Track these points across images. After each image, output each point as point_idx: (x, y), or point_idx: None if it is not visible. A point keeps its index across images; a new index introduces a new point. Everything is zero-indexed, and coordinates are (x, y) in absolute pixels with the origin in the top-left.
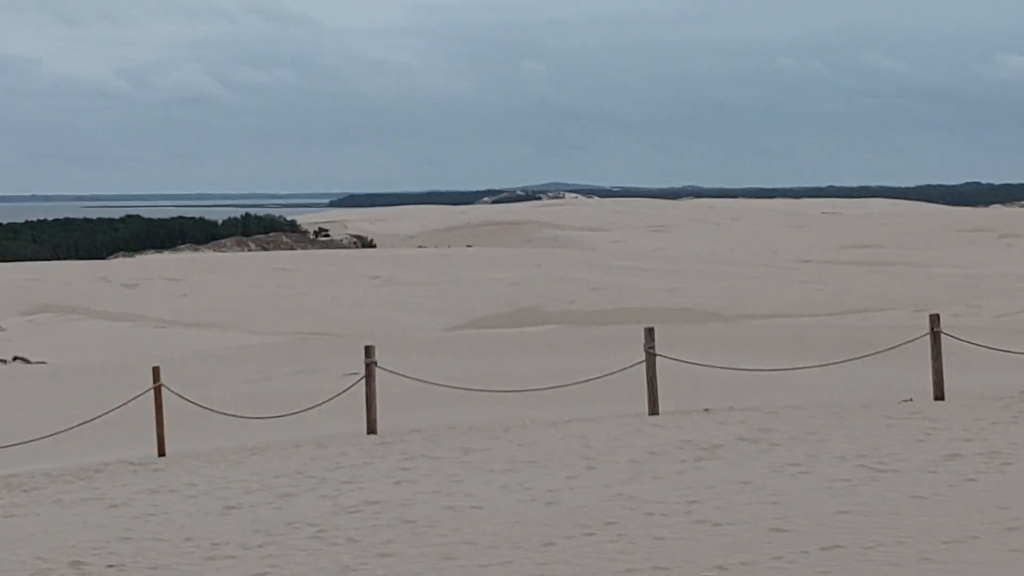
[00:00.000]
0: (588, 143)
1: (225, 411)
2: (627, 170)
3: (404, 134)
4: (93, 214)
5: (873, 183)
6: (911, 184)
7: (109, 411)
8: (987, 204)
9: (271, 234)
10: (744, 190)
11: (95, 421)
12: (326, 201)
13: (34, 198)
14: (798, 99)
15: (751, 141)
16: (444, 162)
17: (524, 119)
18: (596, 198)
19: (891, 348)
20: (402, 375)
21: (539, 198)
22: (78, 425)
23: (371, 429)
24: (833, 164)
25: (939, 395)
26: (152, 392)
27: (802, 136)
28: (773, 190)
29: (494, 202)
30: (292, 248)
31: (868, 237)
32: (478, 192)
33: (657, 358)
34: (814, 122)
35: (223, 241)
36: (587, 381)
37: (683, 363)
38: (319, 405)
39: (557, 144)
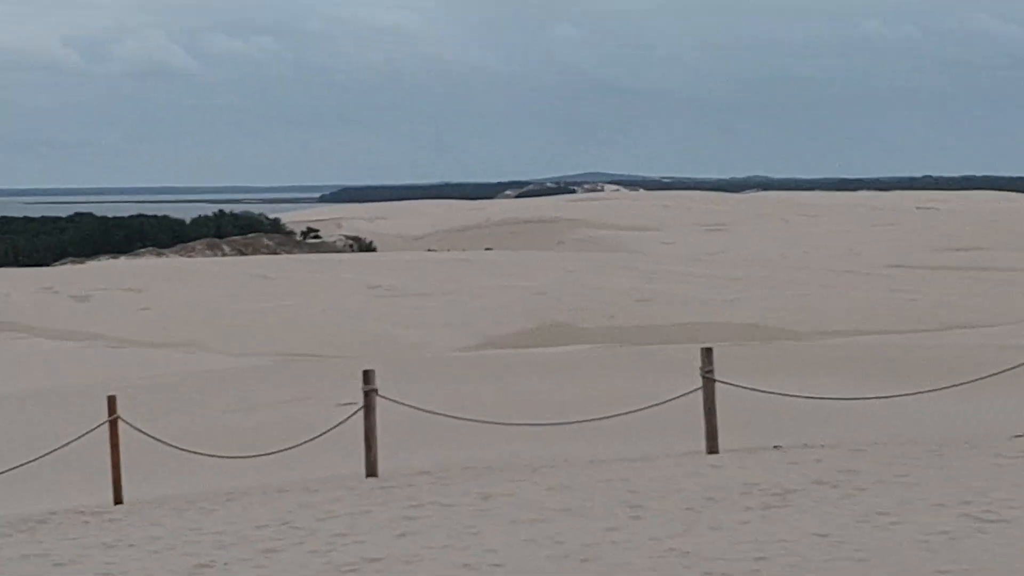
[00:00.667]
0: (632, 125)
1: (195, 449)
2: (679, 157)
3: (410, 115)
4: (35, 212)
5: (978, 172)
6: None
7: (55, 449)
8: None
9: (250, 235)
10: (821, 181)
11: (38, 461)
12: (316, 196)
13: None
14: (887, 71)
15: (830, 122)
16: (458, 148)
17: (554, 96)
18: (641, 190)
19: (1000, 372)
20: (408, 405)
21: (573, 191)
22: (18, 466)
23: (371, 471)
24: (929, 150)
25: None
26: (107, 426)
27: (892, 116)
28: (856, 181)
29: (518, 196)
30: (275, 252)
31: (972, 237)
32: (499, 184)
33: (716, 384)
34: (906, 99)
35: (192, 244)
36: (631, 412)
37: (747, 390)
38: (309, 441)
39: (595, 126)
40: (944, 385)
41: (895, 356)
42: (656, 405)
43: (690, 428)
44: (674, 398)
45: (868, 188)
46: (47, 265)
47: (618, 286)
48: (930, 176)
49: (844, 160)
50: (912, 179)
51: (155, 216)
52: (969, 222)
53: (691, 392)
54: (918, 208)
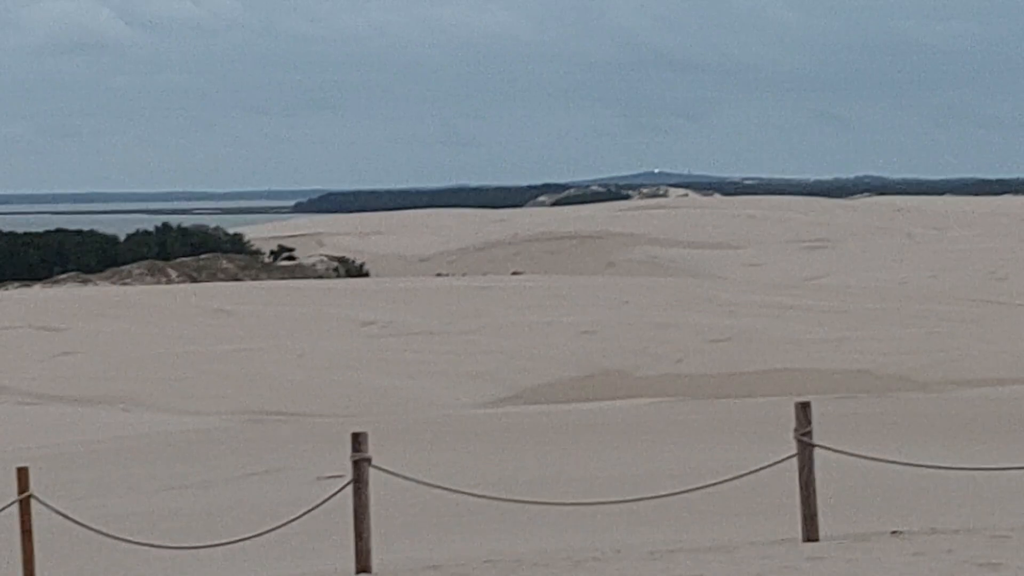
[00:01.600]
0: (705, 111)
1: (129, 536)
2: (767, 152)
3: (412, 99)
4: None
5: None
6: None
7: None
8: None
9: (204, 257)
10: (954, 182)
11: None
12: (290, 204)
13: None
14: None
15: (965, 105)
16: (476, 142)
17: (603, 73)
18: (718, 196)
19: None
20: (411, 479)
21: (627, 196)
22: None
23: (362, 565)
24: None
25: None
26: (16, 507)
27: None
28: (1001, 182)
29: (555, 203)
30: (237, 278)
31: None
32: (531, 188)
33: (816, 450)
34: None
35: (128, 268)
36: (705, 487)
37: (856, 458)
38: (281, 527)
39: (656, 112)
40: None
41: None
42: (737, 478)
43: (782, 508)
44: (760, 468)
45: (1017, 191)
46: None
47: (688, 322)
48: None
49: (984, 155)
50: None
51: (79, 231)
52: None
53: (783, 460)
54: None
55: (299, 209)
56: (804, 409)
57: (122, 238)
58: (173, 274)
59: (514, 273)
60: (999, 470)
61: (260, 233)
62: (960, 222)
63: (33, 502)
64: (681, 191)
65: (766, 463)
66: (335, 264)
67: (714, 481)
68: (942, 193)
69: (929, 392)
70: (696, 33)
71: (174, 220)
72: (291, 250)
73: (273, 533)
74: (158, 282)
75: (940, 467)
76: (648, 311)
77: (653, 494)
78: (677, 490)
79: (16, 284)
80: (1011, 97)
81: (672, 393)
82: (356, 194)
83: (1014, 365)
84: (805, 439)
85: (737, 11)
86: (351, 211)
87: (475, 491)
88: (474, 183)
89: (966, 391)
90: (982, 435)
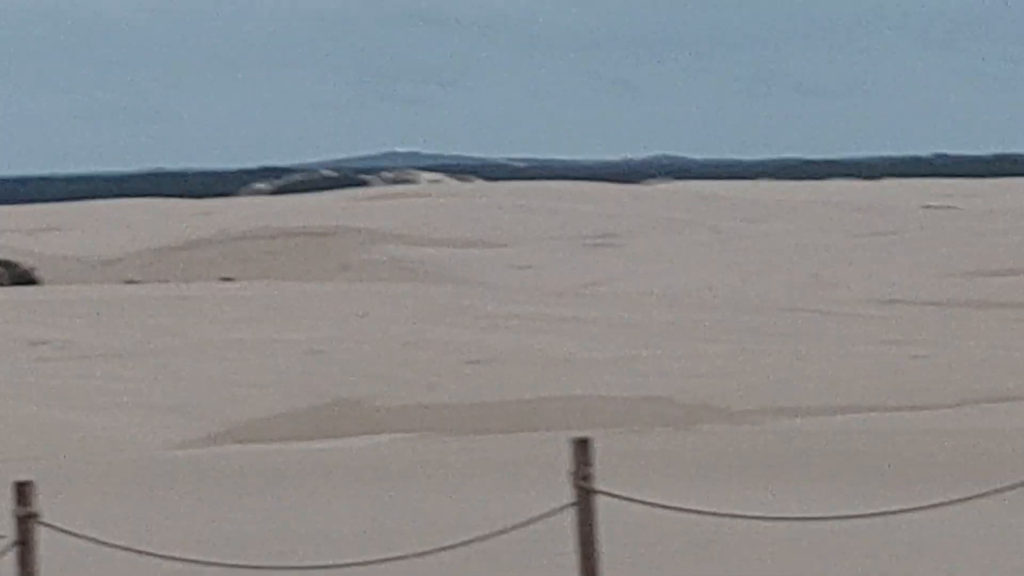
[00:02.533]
0: (460, 76)
1: None
2: (538, 127)
3: (92, 61)
4: None
5: (1018, 148)
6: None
7: None
8: None
9: None
10: (768, 164)
11: None
12: None
13: None
14: None
15: (781, 71)
16: (175, 115)
17: (333, 30)
18: (478, 181)
19: None
20: (92, 539)
21: (365, 183)
22: None
23: None
24: (944, 115)
25: None
26: None
27: (886, 58)
28: (826, 163)
29: (275, 192)
30: None
31: (1012, 254)
32: (244, 172)
33: (599, 497)
34: (912, 29)
35: None
36: (461, 545)
37: (649, 506)
38: None
39: (399, 78)
40: (967, 495)
41: (888, 448)
42: (501, 533)
43: (557, 568)
44: (528, 522)
45: (845, 175)
46: None
47: (440, 339)
48: (944, 155)
49: (807, 131)
50: (917, 159)
51: None
52: (1009, 228)
53: (558, 511)
54: (926, 207)
55: None
56: (583, 447)
57: None
58: None
59: (223, 279)
60: (822, 519)
61: None
62: (777, 213)
63: None
64: (433, 175)
65: (535, 515)
66: None
67: (472, 537)
68: (755, 177)
69: (739, 424)
70: None
71: None
72: None
73: None
74: None
75: (750, 516)
76: (391, 326)
77: (398, 553)
78: (427, 548)
79: None
80: (838, 59)
81: (421, 427)
82: (21, 181)
83: (843, 390)
84: (584, 484)
85: None
86: (16, 202)
87: (178, 554)
88: (173, 166)
89: (784, 422)
90: (802, 477)
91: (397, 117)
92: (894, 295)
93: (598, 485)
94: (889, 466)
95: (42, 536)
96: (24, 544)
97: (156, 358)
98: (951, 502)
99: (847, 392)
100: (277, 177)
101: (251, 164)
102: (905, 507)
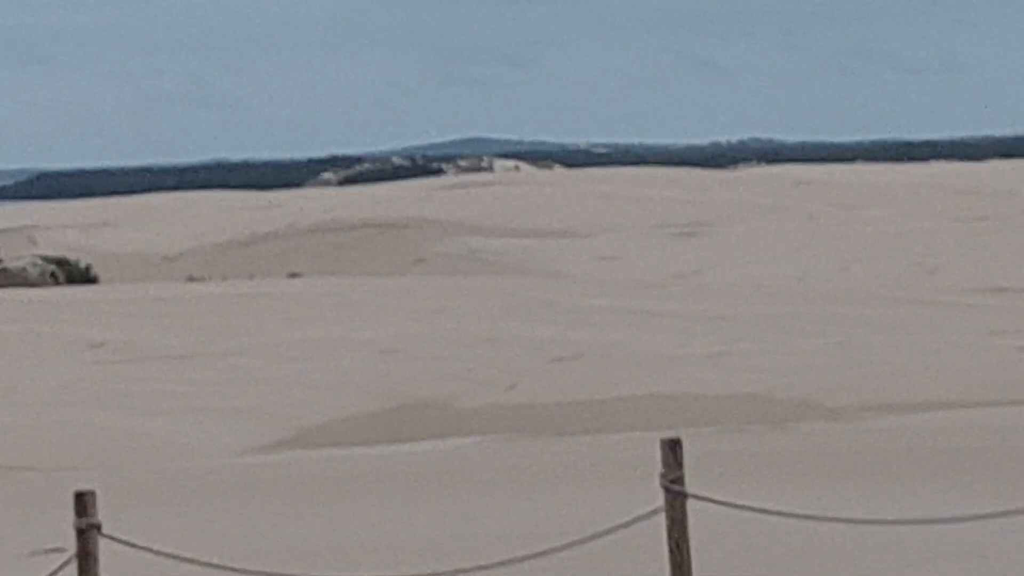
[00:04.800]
0: (537, 56)
1: None
2: (621, 110)
3: (149, 47)
4: None
5: None
6: None
7: None
8: None
9: None
10: (865, 145)
11: None
12: None
13: None
14: None
15: (877, 47)
16: (237, 101)
17: (402, 10)
18: (558, 168)
19: None
20: (155, 551)
21: (440, 171)
22: None
23: None
24: None
25: None
26: None
27: (986, 31)
28: (926, 144)
29: (344, 182)
30: None
31: None
32: (312, 162)
33: (691, 500)
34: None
35: None
36: (549, 553)
37: (744, 510)
38: None
39: (472, 59)
40: None
41: (998, 445)
42: (589, 540)
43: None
44: (616, 528)
45: (947, 157)
46: None
47: (522, 335)
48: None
49: (905, 110)
50: (1019, 139)
51: None
52: None
53: (645, 517)
54: None
55: (3, 196)
56: (673, 448)
57: None
58: None
59: (291, 275)
60: (927, 523)
61: None
62: (876, 198)
63: None
64: (510, 163)
65: (626, 519)
66: (52, 267)
67: (557, 545)
68: (852, 160)
69: (839, 421)
70: None
71: None
72: None
73: None
74: None
75: (851, 520)
76: (469, 322)
77: (480, 563)
78: (509, 557)
79: None
80: (936, 33)
81: (502, 429)
82: (78, 174)
83: (948, 385)
84: (674, 487)
85: None
86: (72, 197)
87: (246, 566)
88: (236, 156)
89: (886, 419)
90: (906, 477)
91: (471, 101)
92: (1001, 283)
93: (689, 487)
94: (1000, 464)
95: (103, 548)
96: (85, 556)
97: (221, 359)
98: None
99: (953, 387)
100: (346, 167)
101: (319, 153)
102: (1018, 507)
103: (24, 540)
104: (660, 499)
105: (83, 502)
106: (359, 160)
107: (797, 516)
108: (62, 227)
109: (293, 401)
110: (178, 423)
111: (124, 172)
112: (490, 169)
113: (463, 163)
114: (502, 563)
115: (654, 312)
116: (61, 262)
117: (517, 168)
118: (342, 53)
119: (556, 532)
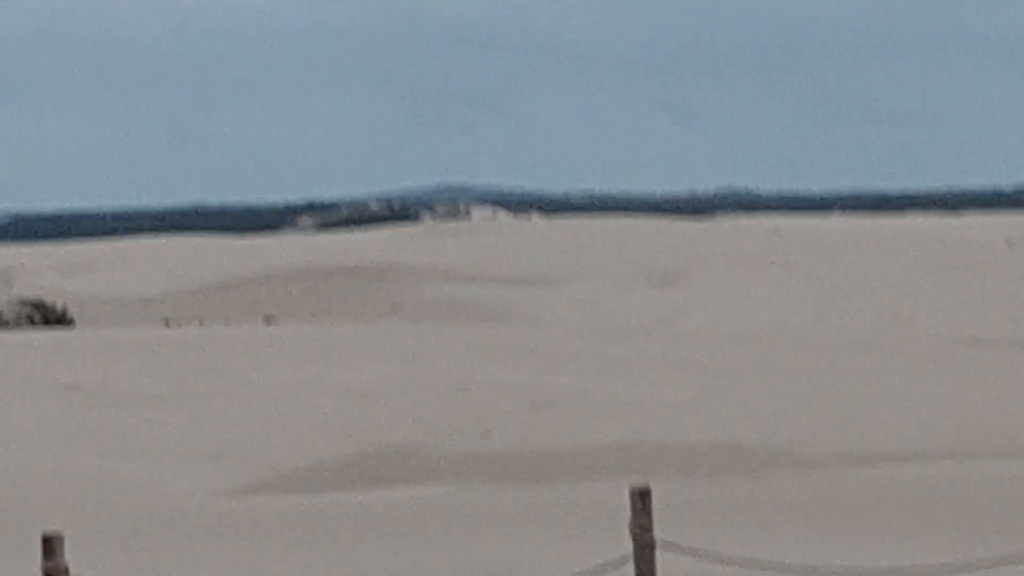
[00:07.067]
0: (515, 102)
1: None
2: (599, 158)
3: (125, 87)
4: None
5: None
6: None
7: None
8: None
9: None
10: (842, 197)
11: None
12: None
13: None
14: (954, 7)
15: (855, 97)
16: (215, 144)
17: (380, 53)
18: (535, 215)
19: None
20: None
21: (416, 217)
22: None
23: None
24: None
25: None
26: None
27: (964, 86)
28: (904, 197)
29: (321, 227)
30: None
31: None
32: (289, 208)
33: (660, 549)
34: (987, 57)
35: None
36: None
37: (714, 559)
38: None
39: (451, 103)
40: None
41: (970, 497)
42: None
43: None
44: (585, 574)
45: (925, 208)
46: None
47: (497, 381)
48: None
49: (882, 161)
50: (998, 193)
51: None
52: None
53: (615, 564)
54: (1010, 244)
55: None
56: (642, 497)
57: None
58: None
59: (267, 319)
60: (900, 571)
61: None
62: (851, 248)
63: None
64: (487, 209)
65: (592, 566)
66: (28, 309)
67: None
68: (828, 210)
69: (811, 471)
70: (504, 6)
71: None
72: None
73: None
74: None
75: (824, 569)
76: (444, 368)
77: None
78: None
79: None
80: (912, 83)
81: (475, 476)
82: (55, 218)
83: (921, 436)
84: (642, 535)
85: None
86: (49, 239)
87: None
88: (213, 200)
89: (859, 470)
90: (878, 527)
91: (449, 146)
92: (976, 333)
93: (662, 535)
94: (970, 514)
95: None
96: None
97: (195, 402)
98: None
99: (926, 438)
100: (322, 212)
101: (296, 198)
102: (987, 556)
103: None
104: (630, 547)
105: (51, 545)
106: (336, 206)
107: (767, 565)
108: (39, 269)
109: (267, 444)
110: (151, 465)
111: (101, 215)
112: (467, 216)
113: (440, 209)
114: None
115: (630, 359)
116: (37, 304)
117: (494, 215)
118: (320, 97)
119: None
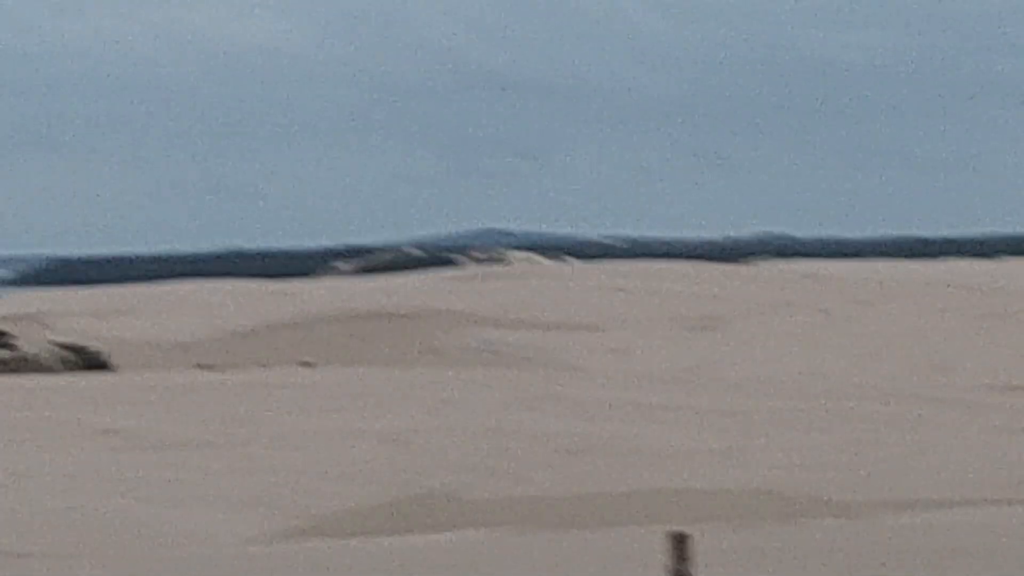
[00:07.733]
0: (552, 149)
1: None
2: (635, 203)
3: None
4: None
5: None
6: None
7: None
8: None
9: None
10: (880, 242)
11: None
12: (8, 275)
13: None
14: (981, 50)
15: (892, 143)
16: (252, 190)
17: (416, 101)
18: (572, 260)
19: None
20: None
21: (453, 262)
22: None
23: None
24: None
25: None
26: None
27: (999, 128)
28: (943, 242)
29: (358, 271)
30: None
31: None
32: (326, 251)
33: None
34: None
35: None
36: None
37: None
38: None
39: (487, 150)
40: None
41: (1009, 545)
42: None
43: None
44: None
45: (961, 254)
46: None
47: (533, 428)
48: None
49: (920, 207)
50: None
51: None
52: None
53: None
54: None
55: (19, 282)
56: (679, 541)
57: None
58: None
59: (303, 364)
60: None
61: None
62: (890, 294)
63: None
64: (523, 254)
65: None
66: (66, 353)
67: None
68: (865, 256)
69: (850, 519)
70: (535, 47)
71: None
72: (6, 335)
73: None
74: None
75: None
76: (480, 414)
77: None
78: None
79: None
80: (951, 130)
81: (511, 521)
82: (93, 262)
83: (960, 483)
84: None
85: (590, 19)
86: (88, 284)
87: None
88: (250, 245)
89: (898, 517)
90: (922, 574)
91: (484, 192)
92: (1015, 381)
93: None
94: (1011, 563)
95: None
96: None
97: (232, 448)
98: None
99: (965, 485)
100: (360, 256)
101: (332, 243)
102: None
103: None
104: None
105: None
106: (373, 250)
107: None
108: (77, 314)
109: (303, 490)
110: (188, 511)
111: (139, 259)
112: (505, 260)
113: (477, 254)
114: None
115: (666, 406)
116: (76, 348)
117: (531, 260)
118: (357, 144)
119: None
